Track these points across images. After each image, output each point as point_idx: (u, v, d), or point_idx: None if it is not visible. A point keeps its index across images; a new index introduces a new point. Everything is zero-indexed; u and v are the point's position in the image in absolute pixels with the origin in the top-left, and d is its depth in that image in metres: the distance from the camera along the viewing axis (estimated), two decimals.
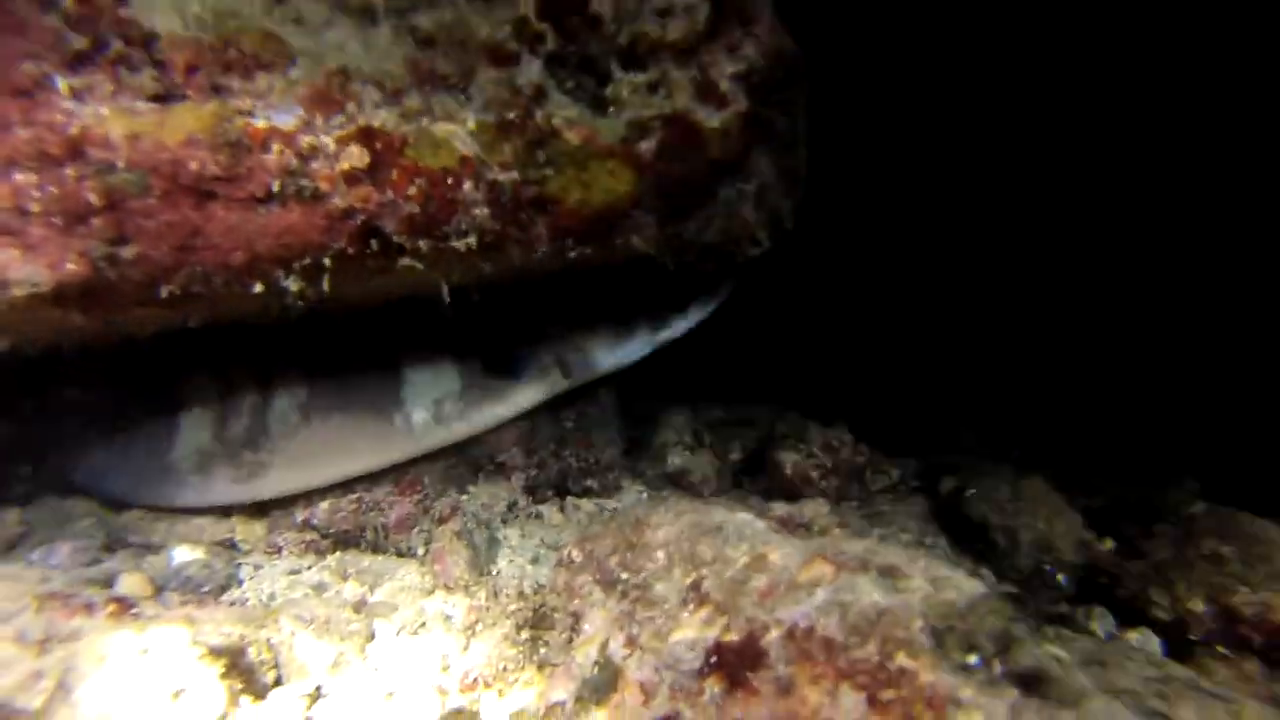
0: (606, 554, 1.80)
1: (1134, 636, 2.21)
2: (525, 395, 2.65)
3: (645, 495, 3.07)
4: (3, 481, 2.62)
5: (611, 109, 1.85)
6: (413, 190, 1.56)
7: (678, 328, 2.86)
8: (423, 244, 1.64)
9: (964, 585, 1.35)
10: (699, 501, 1.97)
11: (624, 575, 1.73)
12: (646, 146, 1.81)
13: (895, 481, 3.72)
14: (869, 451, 3.62)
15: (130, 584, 2.03)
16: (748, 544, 1.66)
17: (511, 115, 1.68)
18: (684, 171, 1.84)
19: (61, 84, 1.41)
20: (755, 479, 3.50)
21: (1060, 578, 2.49)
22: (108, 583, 2.00)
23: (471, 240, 1.67)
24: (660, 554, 1.72)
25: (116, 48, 1.43)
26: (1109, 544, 2.59)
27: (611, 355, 2.76)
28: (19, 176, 1.41)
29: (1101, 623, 2.24)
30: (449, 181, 1.59)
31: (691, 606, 1.60)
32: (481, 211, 1.64)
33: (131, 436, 2.56)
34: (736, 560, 1.62)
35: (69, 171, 1.42)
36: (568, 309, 2.74)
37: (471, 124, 1.62)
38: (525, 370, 2.61)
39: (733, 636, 1.46)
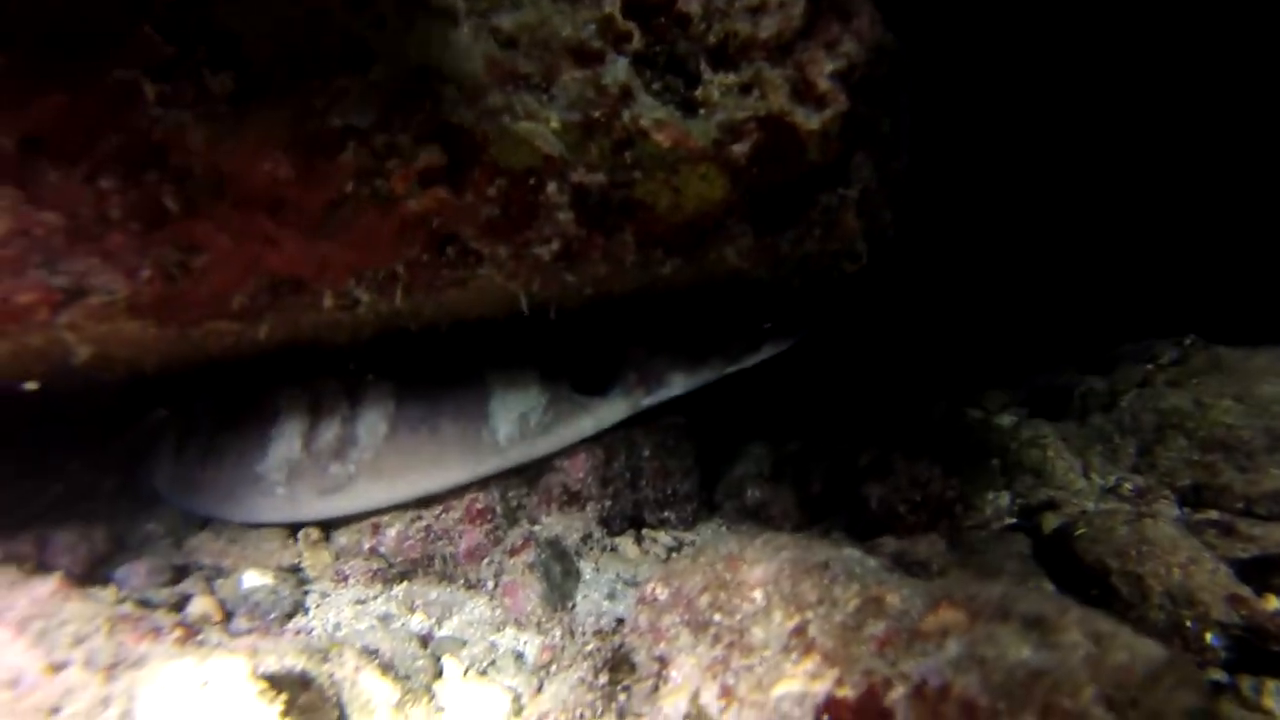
0: (695, 592, 1.63)
1: None
2: (610, 411, 2.64)
3: (725, 529, 2.89)
4: (91, 497, 2.64)
5: (702, 111, 1.72)
6: (492, 191, 1.46)
7: (747, 363, 2.87)
8: (502, 250, 1.53)
9: (1137, 646, 1.13)
10: (798, 536, 1.78)
11: (716, 617, 1.55)
12: (740, 150, 1.67)
13: (988, 517, 3.48)
14: (959, 485, 3.40)
15: (201, 608, 1.98)
16: (858, 584, 1.46)
17: (597, 114, 1.57)
18: (781, 176, 1.70)
19: (149, 90, 1.36)
20: (838, 513, 3.30)
21: (1209, 637, 2.14)
22: (179, 605, 1.97)
23: (555, 246, 1.55)
24: (758, 594, 1.54)
25: (201, 52, 1.37)
26: (1274, 602, 2.16)
27: (685, 383, 2.77)
28: (104, 183, 1.36)
29: (1278, 700, 1.86)
30: (531, 182, 1.48)
31: (796, 655, 1.41)
32: (566, 215, 1.53)
33: (223, 450, 2.56)
34: (847, 603, 1.43)
35: (149, 177, 1.37)
36: (645, 334, 2.74)
37: (555, 123, 1.52)
38: (612, 387, 2.60)
39: (848, 692, 1.27)
